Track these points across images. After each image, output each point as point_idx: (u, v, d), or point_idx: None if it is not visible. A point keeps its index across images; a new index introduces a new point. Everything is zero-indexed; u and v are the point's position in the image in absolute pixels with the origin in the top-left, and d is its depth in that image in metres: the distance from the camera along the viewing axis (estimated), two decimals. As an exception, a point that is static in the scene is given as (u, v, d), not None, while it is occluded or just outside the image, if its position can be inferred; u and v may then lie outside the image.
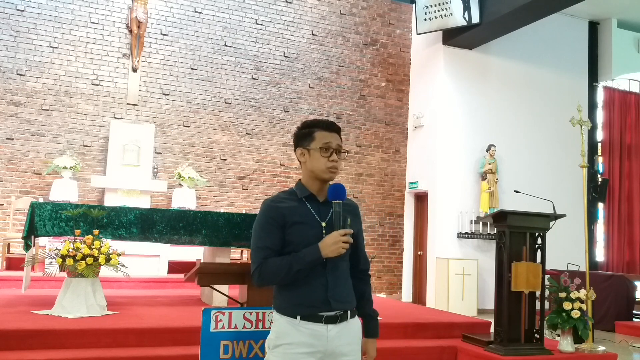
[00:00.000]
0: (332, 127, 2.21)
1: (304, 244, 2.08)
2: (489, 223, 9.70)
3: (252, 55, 10.07)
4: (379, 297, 8.47)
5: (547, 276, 5.26)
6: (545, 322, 5.10)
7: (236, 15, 10.03)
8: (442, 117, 10.22)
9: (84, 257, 4.69)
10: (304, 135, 2.21)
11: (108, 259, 4.80)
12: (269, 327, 2.70)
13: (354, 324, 2.19)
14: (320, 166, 2.16)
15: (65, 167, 8.30)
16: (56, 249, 4.85)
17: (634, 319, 8.45)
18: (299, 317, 2.08)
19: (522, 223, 5.09)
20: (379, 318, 2.36)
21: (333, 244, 2.04)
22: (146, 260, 7.81)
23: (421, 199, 10.76)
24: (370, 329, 2.29)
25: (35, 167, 8.66)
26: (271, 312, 2.24)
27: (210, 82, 9.78)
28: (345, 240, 2.05)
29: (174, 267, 8.19)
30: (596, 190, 11.25)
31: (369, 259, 2.41)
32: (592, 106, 11.74)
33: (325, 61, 10.59)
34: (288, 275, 2.07)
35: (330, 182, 2.22)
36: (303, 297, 2.09)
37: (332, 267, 2.12)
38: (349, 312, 2.15)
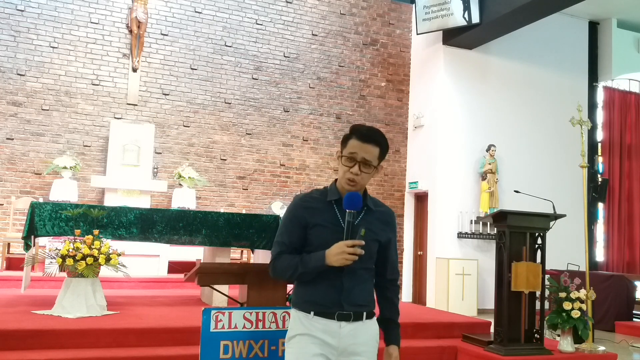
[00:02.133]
0: (366, 138, 2.12)
1: (322, 247, 2.08)
2: (489, 223, 9.70)
3: (252, 55, 10.07)
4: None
5: (547, 276, 5.26)
6: (545, 322, 5.10)
7: (236, 15, 10.03)
8: (442, 117, 10.22)
9: (84, 257, 4.69)
10: (344, 139, 2.18)
11: (108, 259, 4.80)
12: (269, 327, 2.70)
13: (370, 325, 2.17)
14: (340, 174, 2.16)
15: (65, 167, 8.30)
16: (56, 249, 4.85)
17: (634, 319, 8.45)
18: (312, 313, 2.09)
19: (522, 223, 5.09)
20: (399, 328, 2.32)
21: (337, 254, 2.02)
22: (146, 260, 7.81)
23: (421, 199, 10.75)
24: (393, 336, 2.26)
25: (35, 167, 8.66)
26: (271, 312, 2.25)
27: (210, 82, 9.78)
28: (351, 251, 2.01)
29: (174, 267, 8.19)
30: (596, 190, 11.25)
31: (398, 270, 2.36)
32: (592, 106, 11.74)
33: (325, 61, 10.59)
34: (294, 275, 2.11)
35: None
36: (316, 296, 2.10)
37: (349, 272, 2.10)
38: (364, 313, 2.13)
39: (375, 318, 2.21)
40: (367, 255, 2.11)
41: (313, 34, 10.54)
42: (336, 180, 2.21)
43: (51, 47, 8.90)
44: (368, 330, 2.15)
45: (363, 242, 2.03)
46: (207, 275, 3.83)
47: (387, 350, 2.22)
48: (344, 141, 2.17)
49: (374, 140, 2.12)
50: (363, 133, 2.13)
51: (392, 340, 2.26)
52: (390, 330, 2.26)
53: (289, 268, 2.11)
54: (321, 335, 2.07)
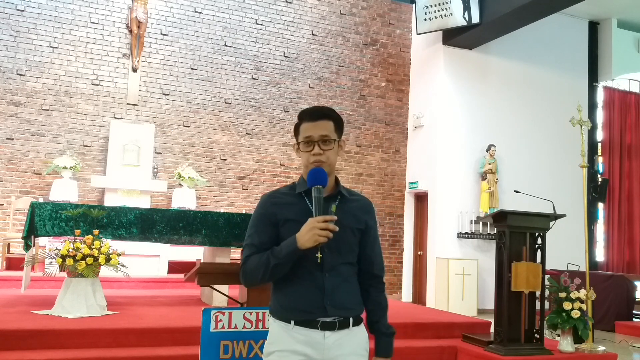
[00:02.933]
0: (314, 116, 2.00)
1: None
2: (489, 223, 9.70)
3: (252, 55, 10.07)
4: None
5: (547, 276, 5.26)
6: (545, 322, 5.10)
7: (236, 15, 10.03)
8: (442, 117, 10.22)
9: (84, 257, 4.69)
10: (295, 129, 2.06)
11: (108, 259, 4.80)
12: (269, 327, 2.69)
13: (358, 334, 1.97)
14: (304, 161, 2.00)
15: (65, 167, 8.30)
16: (56, 249, 4.85)
17: (634, 319, 8.45)
18: (292, 322, 1.90)
19: (522, 223, 5.09)
20: (393, 335, 2.08)
21: (309, 230, 1.83)
22: (146, 260, 7.81)
23: (421, 199, 10.75)
24: (382, 346, 2.03)
25: (35, 167, 8.66)
26: (271, 313, 2.20)
27: (210, 82, 9.78)
28: (323, 226, 1.82)
29: (174, 267, 8.19)
30: (596, 190, 11.25)
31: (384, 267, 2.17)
32: (592, 106, 11.74)
33: (325, 61, 10.59)
34: (267, 272, 1.90)
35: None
36: (297, 300, 1.91)
37: (330, 269, 1.92)
38: (351, 319, 1.94)
39: (362, 324, 2.02)
40: (348, 247, 1.96)
41: (313, 34, 10.54)
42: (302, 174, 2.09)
43: (51, 47, 8.90)
44: (355, 338, 1.95)
45: (335, 217, 1.86)
46: (207, 275, 3.84)
47: None
48: (296, 130, 2.04)
49: (324, 115, 2.01)
50: (310, 113, 2.02)
51: (380, 351, 2.03)
52: (379, 338, 2.04)
53: (259, 266, 1.90)
54: (303, 349, 1.88)
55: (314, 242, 1.83)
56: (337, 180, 2.06)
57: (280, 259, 1.88)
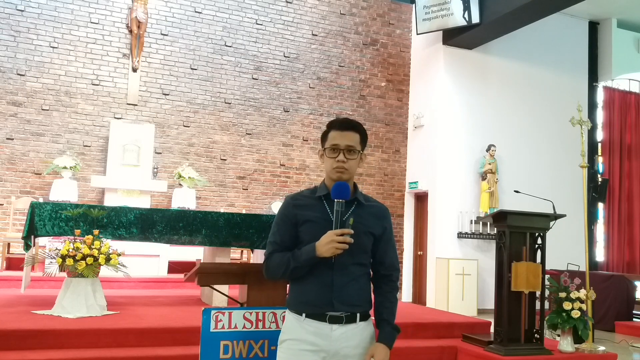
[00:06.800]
0: (343, 126, 2.18)
1: (313, 242, 2.07)
2: (489, 223, 9.70)
3: (252, 55, 10.07)
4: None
5: (547, 276, 5.27)
6: (545, 322, 5.10)
7: (236, 15, 10.03)
8: (442, 117, 10.22)
9: (84, 257, 4.69)
10: (323, 135, 2.23)
11: (108, 259, 4.80)
12: (269, 327, 2.70)
13: (365, 329, 2.12)
14: (327, 167, 2.17)
15: (65, 167, 8.30)
16: (56, 249, 4.85)
17: (634, 319, 8.45)
18: (304, 315, 2.07)
19: (522, 223, 5.09)
20: (397, 331, 2.18)
21: (327, 243, 2.00)
22: (146, 260, 7.81)
23: (421, 199, 10.75)
24: (384, 334, 2.12)
25: (35, 167, 8.66)
26: (271, 312, 2.26)
27: (210, 82, 9.78)
28: (340, 240, 1.99)
29: (174, 267, 8.20)
30: (596, 190, 11.25)
31: (397, 267, 2.27)
32: (592, 106, 11.74)
33: (325, 61, 10.59)
34: (287, 272, 2.09)
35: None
36: (308, 295, 2.08)
37: (340, 268, 2.08)
38: (357, 314, 2.09)
39: (370, 319, 2.16)
40: (360, 249, 2.09)
41: (313, 34, 10.54)
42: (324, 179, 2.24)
43: (51, 47, 8.90)
44: (362, 332, 2.10)
45: (352, 231, 2.02)
46: (207, 275, 3.83)
47: (371, 349, 2.07)
48: (324, 136, 2.21)
49: (352, 127, 2.19)
50: (340, 123, 2.19)
51: (382, 338, 2.11)
52: (383, 329, 2.14)
53: (281, 265, 2.10)
54: (312, 339, 2.05)
55: (331, 254, 2.01)
56: (355, 187, 2.21)
57: (299, 263, 2.06)
